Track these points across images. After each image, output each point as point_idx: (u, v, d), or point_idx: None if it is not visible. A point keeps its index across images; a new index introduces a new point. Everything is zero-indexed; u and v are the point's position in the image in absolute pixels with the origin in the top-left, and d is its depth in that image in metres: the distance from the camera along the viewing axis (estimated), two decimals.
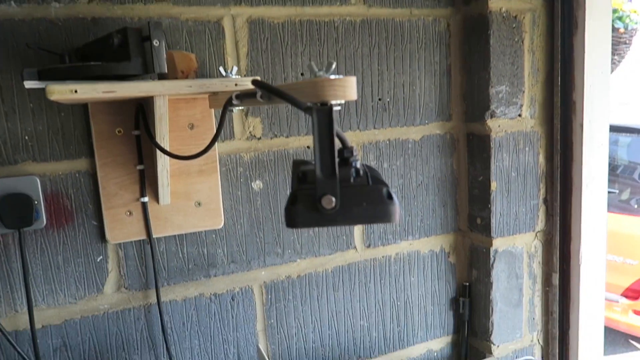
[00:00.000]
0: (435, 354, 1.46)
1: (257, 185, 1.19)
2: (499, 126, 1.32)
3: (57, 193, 1.00)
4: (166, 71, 0.80)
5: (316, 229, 1.26)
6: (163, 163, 0.99)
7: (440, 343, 1.46)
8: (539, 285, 1.44)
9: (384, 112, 1.30)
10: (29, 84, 0.76)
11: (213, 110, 1.10)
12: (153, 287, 1.11)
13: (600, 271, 1.42)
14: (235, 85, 0.85)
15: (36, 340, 1.00)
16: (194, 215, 1.12)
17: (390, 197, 0.55)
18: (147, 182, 1.06)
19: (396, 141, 1.33)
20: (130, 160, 1.04)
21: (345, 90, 0.56)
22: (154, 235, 1.08)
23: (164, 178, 1.02)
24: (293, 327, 1.27)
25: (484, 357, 1.41)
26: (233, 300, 1.20)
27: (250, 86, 0.86)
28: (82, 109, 1.00)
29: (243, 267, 1.20)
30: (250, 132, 1.18)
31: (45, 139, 0.98)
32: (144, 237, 1.08)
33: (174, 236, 1.12)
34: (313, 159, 0.67)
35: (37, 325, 1.02)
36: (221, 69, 0.85)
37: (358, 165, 0.57)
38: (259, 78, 0.96)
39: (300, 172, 0.57)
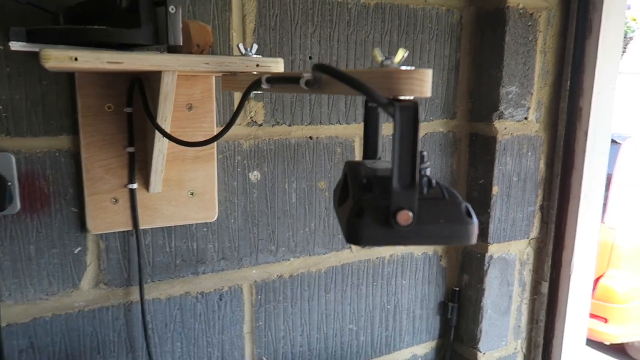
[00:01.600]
0: (420, 359, 1.42)
1: (254, 176, 1.09)
2: (505, 128, 1.28)
3: (33, 174, 0.86)
4: (181, 43, 0.69)
5: (312, 225, 1.18)
6: (161, 147, 0.87)
7: (425, 348, 1.42)
8: (527, 293, 1.43)
9: (389, 105, 1.22)
10: (15, 46, 0.63)
11: (214, 90, 0.99)
12: (135, 283, 1.00)
13: (589, 282, 1.41)
14: (257, 65, 0.75)
15: (0, 340, 0.87)
16: (186, 205, 1.01)
17: (469, 214, 0.47)
18: (137, 166, 0.94)
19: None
20: (119, 141, 0.92)
21: (422, 85, 0.47)
22: (141, 227, 0.96)
23: (159, 164, 0.90)
24: (281, 329, 1.18)
25: None
26: (221, 300, 1.10)
27: (272, 67, 0.76)
28: (67, 78, 0.87)
29: (234, 265, 1.10)
30: (251, 118, 1.07)
31: (22, 110, 0.84)
32: (129, 227, 0.96)
33: (162, 228, 1.01)
34: (366, 160, 0.58)
35: (2, 324, 0.88)
36: (240, 45, 0.75)
37: (429, 173, 0.49)
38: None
39: (365, 179, 0.48)
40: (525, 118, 1.30)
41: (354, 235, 0.46)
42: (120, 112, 0.90)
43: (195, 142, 0.79)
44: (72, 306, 0.95)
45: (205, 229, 1.06)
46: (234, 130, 1.06)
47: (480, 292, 1.34)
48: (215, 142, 1.02)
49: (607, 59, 1.28)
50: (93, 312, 0.97)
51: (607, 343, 3.75)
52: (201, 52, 0.74)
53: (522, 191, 1.34)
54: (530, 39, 1.26)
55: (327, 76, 0.52)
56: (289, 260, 1.16)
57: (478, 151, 1.32)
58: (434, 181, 0.49)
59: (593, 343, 3.76)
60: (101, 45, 0.69)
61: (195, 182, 1.01)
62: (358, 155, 1.21)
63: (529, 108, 1.30)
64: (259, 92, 0.76)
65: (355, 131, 1.19)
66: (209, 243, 1.07)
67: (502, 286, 1.36)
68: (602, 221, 3.51)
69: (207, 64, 0.71)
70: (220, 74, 0.83)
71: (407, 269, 1.33)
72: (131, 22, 0.66)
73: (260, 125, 1.08)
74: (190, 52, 0.74)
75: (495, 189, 1.29)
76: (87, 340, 0.98)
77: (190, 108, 0.97)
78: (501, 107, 1.26)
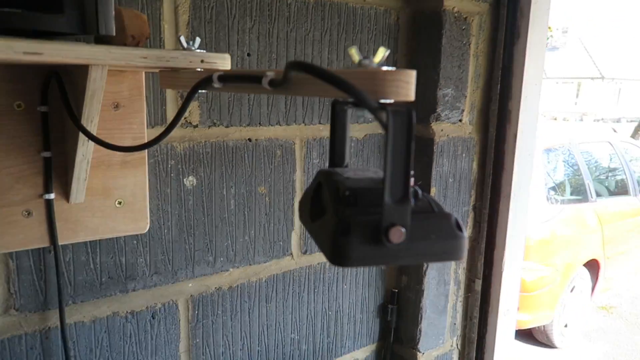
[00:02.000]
0: None
1: (189, 181, 1.00)
2: (442, 130, 1.29)
3: None
4: (114, 33, 0.59)
5: (252, 233, 1.11)
6: (85, 152, 0.76)
7: (366, 352, 1.40)
8: (462, 291, 1.46)
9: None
10: None
11: (144, 87, 0.89)
12: (54, 306, 0.87)
13: (518, 278, 1.47)
14: (202, 61, 0.67)
15: None
16: (113, 217, 0.90)
17: (460, 228, 0.44)
18: (55, 173, 0.82)
19: None
20: (32, 145, 0.79)
21: (408, 88, 0.43)
22: (61, 242, 0.84)
23: (82, 171, 0.79)
24: (220, 345, 1.10)
25: None
26: (154, 318, 1.00)
27: (219, 64, 0.69)
28: None
29: (168, 279, 1.01)
30: (185, 119, 0.98)
31: None
32: (45, 244, 0.83)
33: (85, 243, 0.89)
34: (338, 169, 0.53)
35: None
36: (182, 38, 0.66)
37: (413, 185, 0.45)
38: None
39: (349, 191, 0.43)
40: (460, 120, 1.32)
41: (341, 256, 0.41)
42: (33, 111, 0.78)
43: (130, 147, 0.69)
44: None
45: (135, 242, 0.95)
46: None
47: (419, 293, 1.34)
48: None
49: (533, 64, 1.33)
50: (2, 343, 0.84)
51: (516, 329, 4.02)
52: (137, 45, 0.65)
53: (457, 192, 1.36)
54: (464, 42, 1.28)
55: (299, 75, 0.46)
56: (228, 270, 1.09)
57: (416, 153, 1.32)
58: (419, 192, 0.45)
59: None
60: (13, 33, 0.58)
61: (123, 190, 0.90)
62: (298, 158, 1.16)
63: (463, 110, 1.32)
64: (205, 91, 0.68)
65: (295, 132, 1.14)
66: (139, 257, 0.96)
67: (439, 286, 1.38)
68: None
69: (145, 58, 0.62)
70: (157, 70, 0.74)
71: (348, 273, 1.31)
72: (52, 6, 0.56)
73: (196, 126, 1.00)
74: (125, 44, 0.64)
75: (433, 190, 1.30)
76: None
77: (116, 107, 0.86)
78: (438, 109, 1.26)
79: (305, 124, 1.15)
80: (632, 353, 4.02)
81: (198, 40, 0.69)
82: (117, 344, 0.96)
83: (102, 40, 0.61)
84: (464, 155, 1.35)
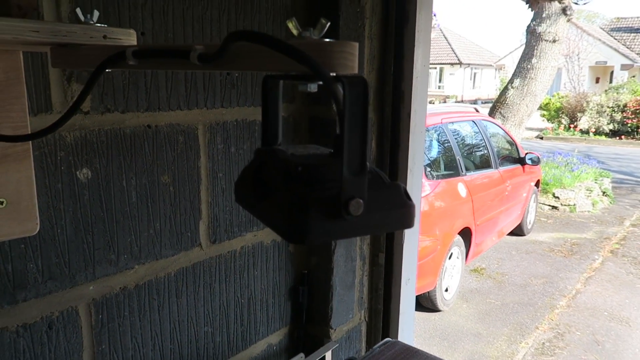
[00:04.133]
0: (275, 347, 1.39)
1: (84, 174, 0.90)
2: None
3: None
4: None
5: (157, 225, 1.04)
6: None
7: (279, 336, 1.40)
8: (367, 266, 1.51)
9: (233, 88, 1.14)
10: None
11: (23, 69, 0.77)
12: None
13: (416, 249, 1.57)
14: (104, 37, 0.60)
15: None
16: None
17: (408, 197, 0.44)
18: None
19: (244, 122, 1.19)
20: None
21: (354, 60, 0.43)
22: None
23: None
24: (129, 348, 1.02)
25: (322, 343, 1.41)
26: (50, 329, 0.89)
27: (123, 40, 0.62)
28: None
29: (65, 284, 0.90)
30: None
31: None
32: None
33: None
34: (278, 147, 0.51)
35: None
36: (79, 11, 0.58)
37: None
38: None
39: (300, 167, 0.42)
40: None
41: (300, 233, 0.39)
42: None
43: (16, 137, 0.60)
44: None
45: (22, 246, 0.84)
46: (52, 119, 0.86)
47: (329, 271, 1.37)
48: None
49: (422, 46, 1.41)
50: None
51: None
52: (23, 16, 0.56)
53: None
54: (359, 24, 1.31)
55: (239, 47, 0.43)
56: (132, 268, 1.00)
57: (319, 134, 1.33)
58: (369, 165, 0.45)
59: None
60: None
61: (5, 188, 0.78)
62: (202, 145, 1.10)
63: None
64: (112, 70, 0.61)
65: (198, 117, 1.08)
66: (29, 262, 0.85)
67: (347, 263, 1.42)
68: None
69: (37, 32, 0.54)
70: (46, 47, 0.64)
71: (259, 259, 1.29)
72: None
73: (87, 113, 0.90)
74: (9, 15, 0.55)
75: None
76: None
77: None
78: None
79: (207, 108, 1.10)
80: (501, 307, 4.53)
81: (96, 13, 0.62)
82: None
83: None
84: None
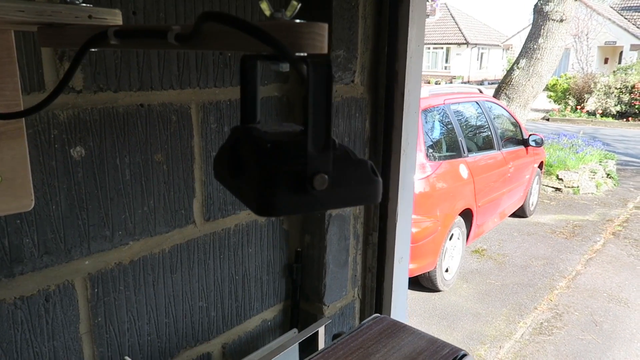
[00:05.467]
0: (269, 323, 1.43)
1: (77, 152, 0.93)
2: (336, 91, 1.32)
3: None
4: None
5: (152, 203, 1.06)
6: None
7: (274, 312, 1.43)
8: (360, 245, 1.54)
9: (226, 68, 1.16)
10: None
11: (15, 49, 0.79)
12: None
13: (409, 227, 1.59)
14: (90, 17, 0.61)
15: None
16: None
17: (375, 173, 0.46)
18: None
19: (237, 102, 1.20)
20: None
21: (322, 40, 0.44)
22: None
23: None
24: (125, 322, 1.06)
25: (315, 319, 1.44)
26: (47, 302, 0.93)
27: (109, 20, 0.64)
28: None
29: (61, 259, 0.93)
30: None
31: None
32: None
33: None
34: (254, 125, 0.53)
35: None
36: None
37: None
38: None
39: (270, 143, 0.43)
40: (352, 81, 1.37)
41: (268, 207, 0.41)
42: None
43: (8, 114, 0.62)
44: None
45: (18, 221, 0.86)
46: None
47: (322, 249, 1.40)
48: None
49: (416, 25, 1.41)
50: None
51: None
52: None
53: (352, 149, 1.41)
54: (353, 4, 1.31)
55: (211, 28, 0.44)
56: (127, 244, 1.03)
57: None
58: (336, 142, 0.46)
59: None
60: None
61: (0, 165, 0.81)
62: (195, 124, 1.12)
63: (354, 71, 1.37)
64: (100, 49, 0.62)
65: (191, 97, 1.09)
66: (25, 237, 0.88)
67: (340, 241, 1.44)
68: None
69: (23, 11, 0.55)
70: (34, 27, 0.66)
71: (253, 237, 1.31)
72: None
73: (80, 92, 0.91)
74: None
75: None
76: None
77: None
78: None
79: (200, 88, 1.11)
80: (501, 288, 4.57)
81: None
82: (6, 333, 0.88)
83: None
84: (357, 115, 1.41)
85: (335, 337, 1.11)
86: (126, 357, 0.67)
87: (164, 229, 1.09)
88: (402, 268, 1.59)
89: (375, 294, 1.59)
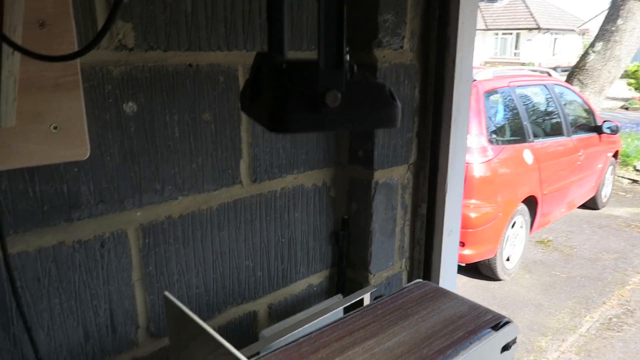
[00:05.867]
0: (315, 288, 1.45)
1: (129, 107, 0.98)
2: (384, 57, 1.30)
3: None
4: None
5: (200, 161, 1.10)
6: (10, 67, 0.72)
7: (320, 277, 1.45)
8: (409, 215, 1.52)
9: None
10: None
11: (70, 4, 0.84)
12: None
13: (460, 200, 1.55)
14: None
15: None
16: (49, 142, 0.86)
17: (393, 97, 0.46)
18: None
19: None
20: None
21: None
22: None
23: (10, 89, 0.75)
24: (174, 273, 1.11)
25: (361, 287, 1.45)
26: (103, 247, 0.99)
27: None
28: None
29: (114, 208, 0.99)
30: (120, 41, 0.94)
31: None
32: None
33: (22, 170, 0.86)
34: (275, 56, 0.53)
35: None
36: None
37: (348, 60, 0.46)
38: None
39: (285, 64, 0.44)
40: (401, 47, 1.34)
41: (280, 122, 0.42)
42: None
43: (59, 57, 0.66)
44: None
45: (76, 169, 0.93)
46: (100, 55, 0.93)
47: (368, 217, 1.39)
48: (79, 69, 0.88)
49: None
50: None
51: (464, 264, 4.25)
52: None
53: (401, 119, 1.39)
54: None
55: None
56: (176, 199, 1.08)
57: None
58: (355, 67, 0.46)
59: None
60: None
61: (58, 114, 0.87)
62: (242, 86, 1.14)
63: (403, 37, 1.34)
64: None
65: (237, 59, 1.12)
66: (82, 185, 0.94)
67: (387, 210, 1.43)
68: None
69: None
70: None
71: (299, 202, 1.33)
72: None
73: (131, 49, 0.96)
74: None
75: None
76: None
77: (42, 25, 0.82)
78: (379, 35, 1.27)
79: (247, 50, 1.13)
80: (566, 280, 4.35)
81: None
82: (65, 273, 0.95)
83: None
84: (406, 82, 1.38)
85: (376, 298, 1.11)
86: (166, 292, 0.71)
87: (212, 186, 1.13)
88: (452, 241, 1.56)
89: (423, 266, 1.56)
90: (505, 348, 0.95)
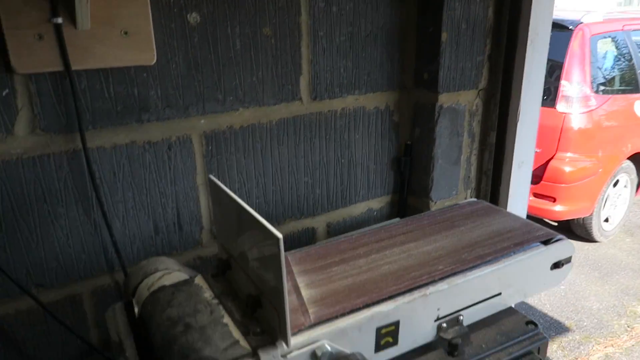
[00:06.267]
0: (375, 212, 1.47)
1: (193, 18, 1.04)
2: None
3: None
4: None
5: (260, 74, 1.14)
6: None
7: (380, 202, 1.46)
8: (476, 144, 1.47)
9: None
10: None
11: None
12: (75, 130, 0.96)
13: (534, 130, 1.46)
14: None
15: None
16: (120, 46, 0.95)
17: None
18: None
19: None
20: None
21: None
22: (73, 67, 0.91)
23: None
24: (236, 181, 1.19)
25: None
26: (170, 150, 1.08)
27: None
28: None
29: (180, 113, 1.07)
30: None
31: None
32: (59, 67, 0.90)
33: (98, 71, 0.96)
34: None
35: None
36: None
37: None
38: None
39: None
40: None
41: None
42: None
43: None
44: (9, 153, 0.92)
45: (145, 74, 1.01)
46: None
47: (431, 142, 1.37)
48: None
49: None
50: (33, 160, 0.94)
51: (555, 223, 4.01)
52: None
53: (470, 39, 1.33)
54: None
55: None
56: (237, 110, 1.14)
57: None
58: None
59: (541, 222, 4.02)
60: None
61: (127, 20, 0.95)
62: (303, 1, 1.16)
63: None
64: None
65: None
66: (150, 89, 1.03)
67: (452, 137, 1.39)
68: (554, 107, 3.61)
69: None
70: None
71: (360, 123, 1.34)
72: None
73: None
74: None
75: (444, 36, 1.28)
76: (31, 189, 0.95)
77: None
78: None
79: None
80: None
81: None
82: (137, 170, 1.05)
83: None
84: (478, 0, 1.31)
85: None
86: (210, 175, 0.76)
87: (272, 100, 1.18)
88: (523, 174, 1.48)
89: (490, 199, 1.51)
90: (557, 265, 0.91)
